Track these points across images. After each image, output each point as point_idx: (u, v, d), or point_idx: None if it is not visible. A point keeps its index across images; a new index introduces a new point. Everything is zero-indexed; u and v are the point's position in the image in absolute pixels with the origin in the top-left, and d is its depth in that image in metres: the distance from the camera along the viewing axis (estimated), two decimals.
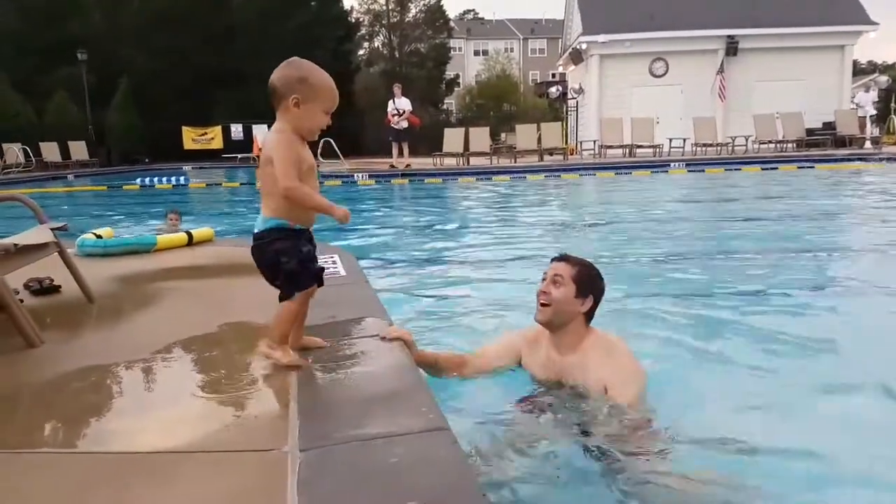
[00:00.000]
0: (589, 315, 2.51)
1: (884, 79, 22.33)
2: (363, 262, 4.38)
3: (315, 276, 2.16)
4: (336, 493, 1.43)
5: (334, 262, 3.81)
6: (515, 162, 17.85)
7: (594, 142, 19.19)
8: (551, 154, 18.47)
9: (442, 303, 4.25)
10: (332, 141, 18.25)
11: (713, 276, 5.04)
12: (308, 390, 2.00)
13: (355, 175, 15.82)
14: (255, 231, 2.16)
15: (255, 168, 23.75)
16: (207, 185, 16.70)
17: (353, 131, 27.30)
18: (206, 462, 1.63)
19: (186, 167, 23.37)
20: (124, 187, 15.93)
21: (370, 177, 15.72)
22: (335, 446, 1.61)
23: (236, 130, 27.36)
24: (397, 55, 36.15)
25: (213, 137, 27.71)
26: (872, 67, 44.54)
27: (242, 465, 1.61)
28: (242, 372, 2.23)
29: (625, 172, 15.66)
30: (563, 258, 2.54)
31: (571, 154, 19.60)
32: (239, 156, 25.54)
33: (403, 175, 15.81)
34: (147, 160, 26.47)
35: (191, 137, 27.74)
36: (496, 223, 8.65)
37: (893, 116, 20.59)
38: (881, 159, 15.74)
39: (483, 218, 9.33)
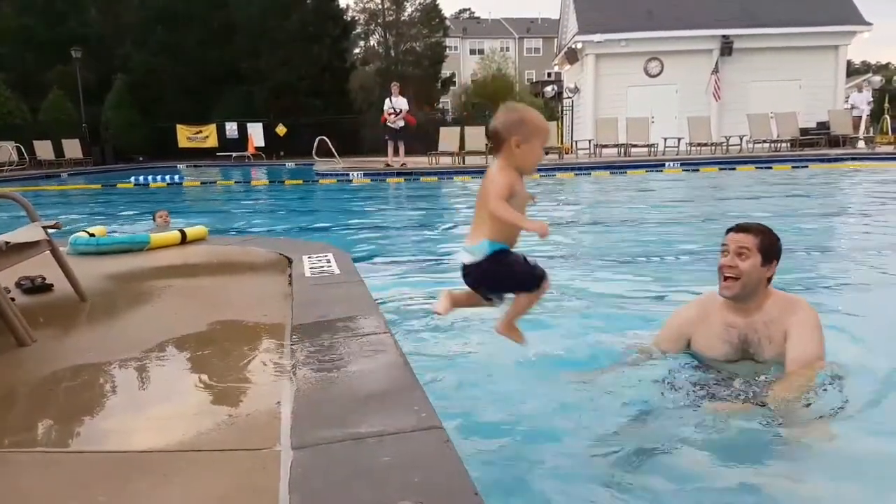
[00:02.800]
0: (771, 278, 2.52)
1: (877, 79, 22.40)
2: (358, 261, 4.37)
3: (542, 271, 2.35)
4: (328, 491, 1.43)
5: (328, 261, 3.81)
6: None
7: (589, 141, 19.20)
8: (547, 153, 18.41)
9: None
10: (326, 139, 18.25)
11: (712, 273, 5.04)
12: (301, 389, 1.99)
13: (350, 173, 15.79)
14: (473, 260, 2.28)
15: (250, 166, 23.72)
16: (202, 183, 16.65)
17: (349, 130, 27.28)
18: (199, 461, 1.62)
19: (181, 165, 23.29)
20: (118, 186, 15.87)
21: (365, 175, 15.69)
22: (327, 445, 1.61)
23: (231, 129, 27.27)
24: (393, 54, 36.10)
25: (207, 136, 27.62)
26: (866, 68, 44.71)
27: (235, 463, 1.61)
28: (235, 370, 2.23)
29: (620, 172, 15.67)
30: (743, 228, 2.50)
31: (567, 153, 19.60)
32: (234, 154, 25.46)
33: (399, 174, 15.80)
34: (142, 158, 26.37)
35: (185, 136, 27.65)
36: None
37: (887, 116, 20.66)
38: (874, 159, 15.80)
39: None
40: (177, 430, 1.78)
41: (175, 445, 1.69)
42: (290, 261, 3.94)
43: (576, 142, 20.45)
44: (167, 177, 16.54)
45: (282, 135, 26.80)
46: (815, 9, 21.33)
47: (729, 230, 2.53)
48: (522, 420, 2.38)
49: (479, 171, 15.87)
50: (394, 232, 7.92)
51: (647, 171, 15.56)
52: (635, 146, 18.26)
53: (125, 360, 2.38)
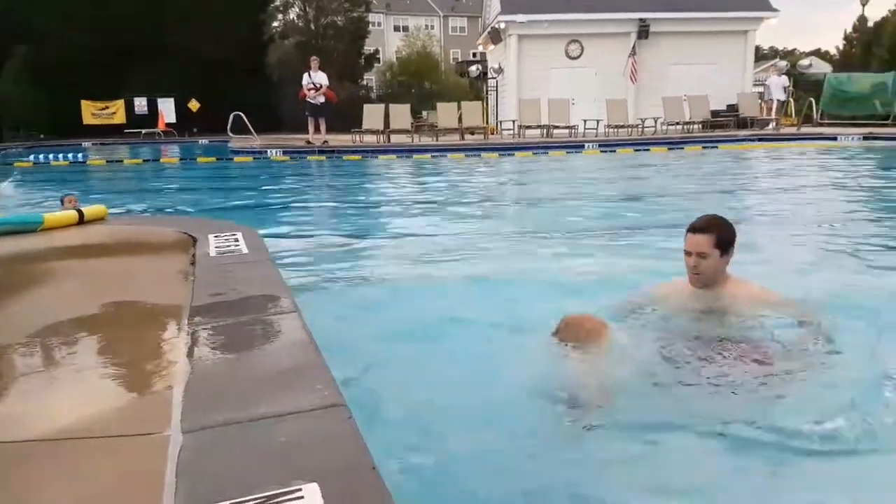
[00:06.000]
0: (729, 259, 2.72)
1: (783, 64, 23.58)
2: (271, 241, 4.24)
3: None
4: (219, 474, 1.37)
5: (237, 240, 3.67)
6: (437, 140, 17.81)
7: (513, 122, 19.36)
8: (472, 133, 18.52)
9: (355, 282, 4.18)
10: (241, 115, 17.57)
11: (629, 250, 5.19)
12: (198, 371, 1.91)
13: (268, 151, 15.31)
14: None
15: (160, 144, 22.65)
16: (108, 161, 15.75)
17: (267, 105, 26.35)
18: (84, 449, 1.55)
19: (86, 143, 21.96)
20: (16, 164, 14.79)
21: (284, 153, 15.25)
22: (222, 427, 1.55)
23: (140, 104, 25.86)
24: (313, 27, 35.14)
25: (114, 112, 26.09)
26: (774, 53, 46.97)
27: (122, 450, 1.53)
28: (128, 355, 2.12)
29: (542, 152, 15.91)
30: (699, 229, 2.61)
31: (492, 133, 19.72)
32: (143, 131, 24.23)
33: (320, 151, 15.46)
34: (42, 136, 24.68)
35: (90, 112, 26.02)
36: (416, 201, 8.60)
37: (791, 100, 21.81)
38: (779, 140, 16.68)
39: (403, 196, 9.26)
40: (62, 417, 1.69)
41: (58, 433, 1.60)
42: (194, 240, 3.77)
43: (500, 122, 20.60)
44: (69, 155, 15.55)
45: (195, 110, 25.70)
46: None
47: (688, 230, 2.64)
48: (436, 398, 2.37)
49: (404, 151, 15.74)
50: (311, 211, 7.77)
51: (567, 152, 15.87)
52: (557, 127, 18.54)
53: (10, 346, 2.22)
